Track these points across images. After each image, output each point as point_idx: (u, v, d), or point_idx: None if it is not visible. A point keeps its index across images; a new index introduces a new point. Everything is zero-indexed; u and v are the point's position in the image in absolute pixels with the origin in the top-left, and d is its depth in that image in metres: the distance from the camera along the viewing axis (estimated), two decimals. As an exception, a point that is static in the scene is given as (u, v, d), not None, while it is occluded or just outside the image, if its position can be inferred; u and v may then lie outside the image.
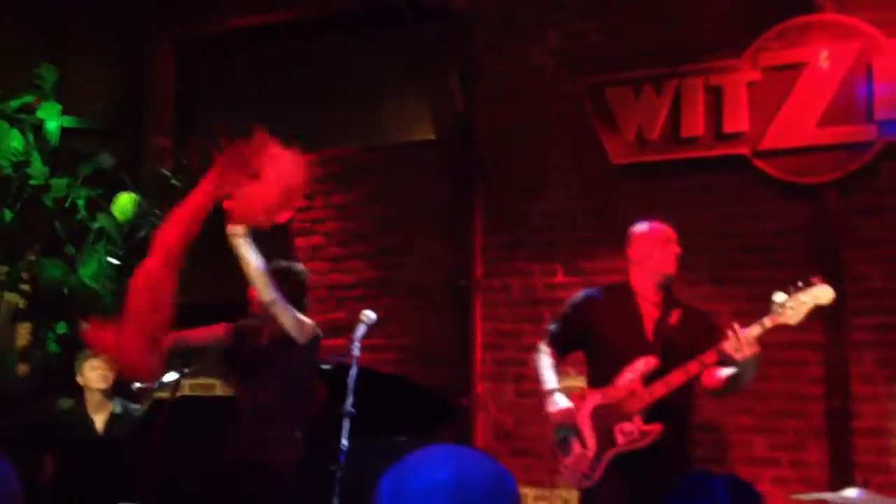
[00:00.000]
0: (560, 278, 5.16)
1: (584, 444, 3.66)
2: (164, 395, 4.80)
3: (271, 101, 6.26)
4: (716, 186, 4.86)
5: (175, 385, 4.62)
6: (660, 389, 3.56)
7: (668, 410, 3.59)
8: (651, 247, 3.75)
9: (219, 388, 5.88)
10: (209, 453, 4.07)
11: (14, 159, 5.37)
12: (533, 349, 3.94)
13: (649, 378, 3.58)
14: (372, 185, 5.87)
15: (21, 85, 5.60)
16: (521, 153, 5.35)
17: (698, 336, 3.64)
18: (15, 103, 5.51)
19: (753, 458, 4.67)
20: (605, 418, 3.63)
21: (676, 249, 3.77)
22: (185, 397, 5.11)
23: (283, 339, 3.81)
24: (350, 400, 3.32)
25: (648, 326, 3.71)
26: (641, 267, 3.77)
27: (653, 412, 3.58)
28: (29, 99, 5.54)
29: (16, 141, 5.38)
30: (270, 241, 3.88)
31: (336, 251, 5.94)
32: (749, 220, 4.79)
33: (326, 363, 4.26)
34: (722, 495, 1.92)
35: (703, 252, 4.68)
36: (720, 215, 4.83)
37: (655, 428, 3.58)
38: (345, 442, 3.25)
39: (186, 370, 4.43)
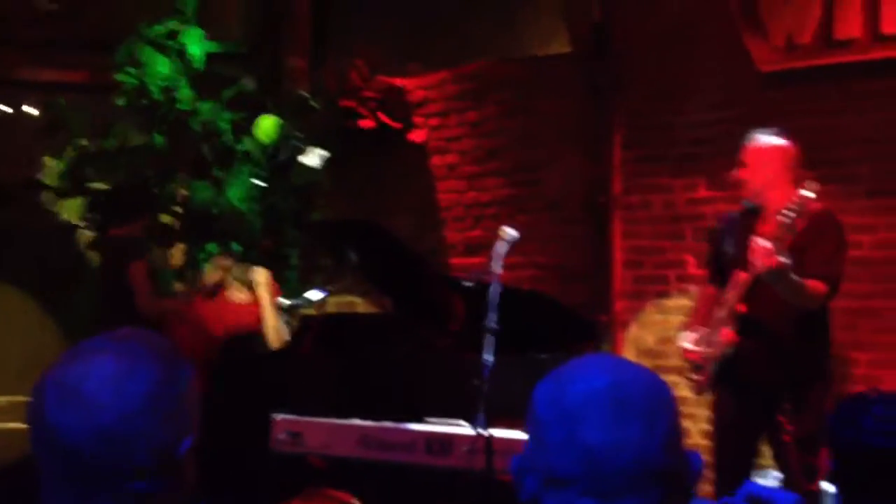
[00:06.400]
0: (703, 193, 4.99)
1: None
2: (312, 312, 4.98)
3: (405, 19, 6.22)
4: (873, 92, 4.56)
5: (321, 303, 4.78)
6: (732, 295, 3.45)
7: (757, 324, 3.45)
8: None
9: (360, 306, 6.04)
10: (353, 366, 4.19)
11: (162, 84, 5.53)
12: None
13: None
14: (506, 100, 5.78)
15: (164, 11, 5.71)
16: (661, 63, 5.15)
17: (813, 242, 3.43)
18: (160, 29, 5.62)
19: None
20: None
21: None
22: (330, 314, 5.29)
23: None
24: (493, 316, 3.33)
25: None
26: None
27: (747, 326, 3.46)
28: (173, 25, 5.65)
29: (162, 66, 5.52)
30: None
31: (471, 169, 5.92)
32: (911, 128, 4.50)
33: (466, 280, 4.29)
34: (880, 411, 1.86)
35: (860, 162, 4.44)
36: (878, 123, 4.54)
37: (724, 337, 3.47)
38: (489, 357, 3.28)
39: (331, 288, 4.56)
